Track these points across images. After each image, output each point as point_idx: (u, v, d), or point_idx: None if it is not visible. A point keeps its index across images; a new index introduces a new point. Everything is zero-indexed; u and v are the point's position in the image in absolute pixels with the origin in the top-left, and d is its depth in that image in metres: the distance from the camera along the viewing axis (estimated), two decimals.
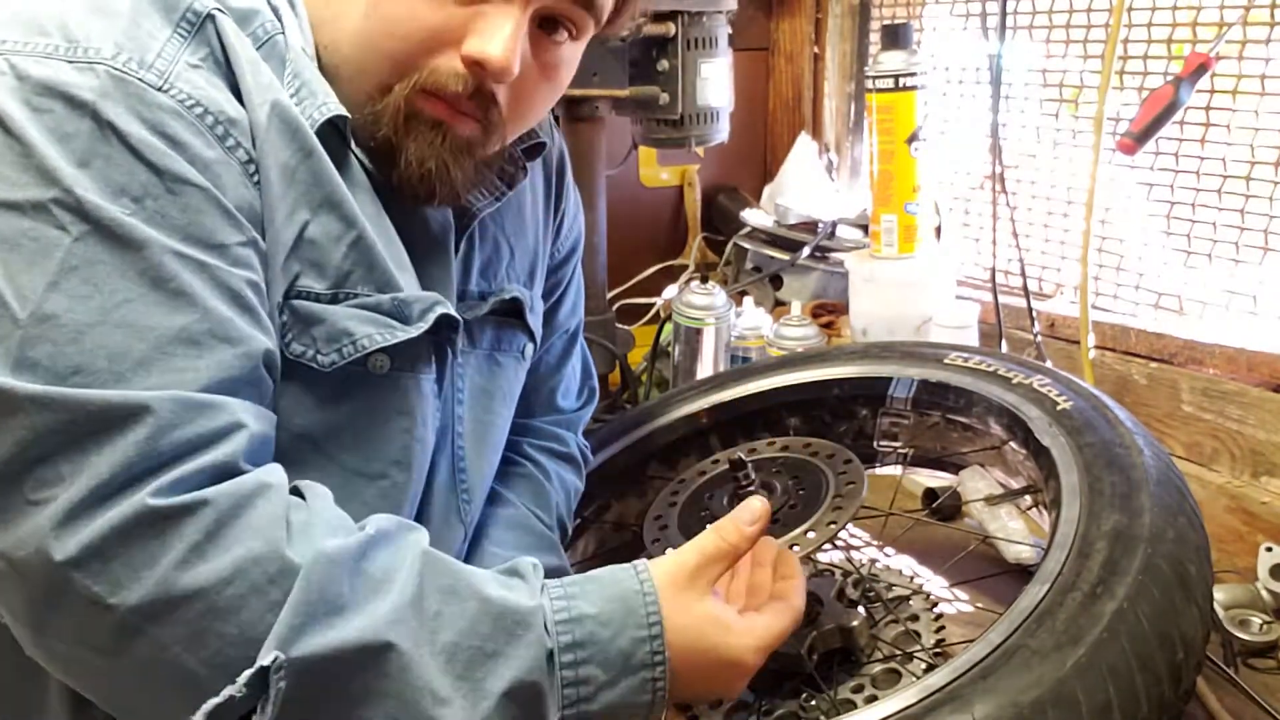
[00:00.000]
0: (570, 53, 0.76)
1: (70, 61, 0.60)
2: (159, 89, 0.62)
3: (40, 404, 0.55)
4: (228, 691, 0.55)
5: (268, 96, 0.67)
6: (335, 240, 0.69)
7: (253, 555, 0.57)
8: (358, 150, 0.72)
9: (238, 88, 0.67)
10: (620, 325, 1.59)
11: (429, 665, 0.59)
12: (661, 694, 0.63)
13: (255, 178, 0.66)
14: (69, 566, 0.54)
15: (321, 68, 0.72)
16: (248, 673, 0.55)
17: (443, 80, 0.70)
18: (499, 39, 0.68)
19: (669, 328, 1.52)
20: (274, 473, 0.61)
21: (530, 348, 0.91)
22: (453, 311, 0.75)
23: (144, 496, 0.55)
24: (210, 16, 0.66)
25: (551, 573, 0.88)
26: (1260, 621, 0.90)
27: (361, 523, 0.63)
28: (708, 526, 0.71)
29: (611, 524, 1.10)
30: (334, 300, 0.70)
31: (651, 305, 1.83)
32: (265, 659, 0.55)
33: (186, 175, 0.62)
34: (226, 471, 0.59)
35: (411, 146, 0.71)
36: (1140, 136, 1.19)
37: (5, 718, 0.70)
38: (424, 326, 0.73)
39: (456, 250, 0.81)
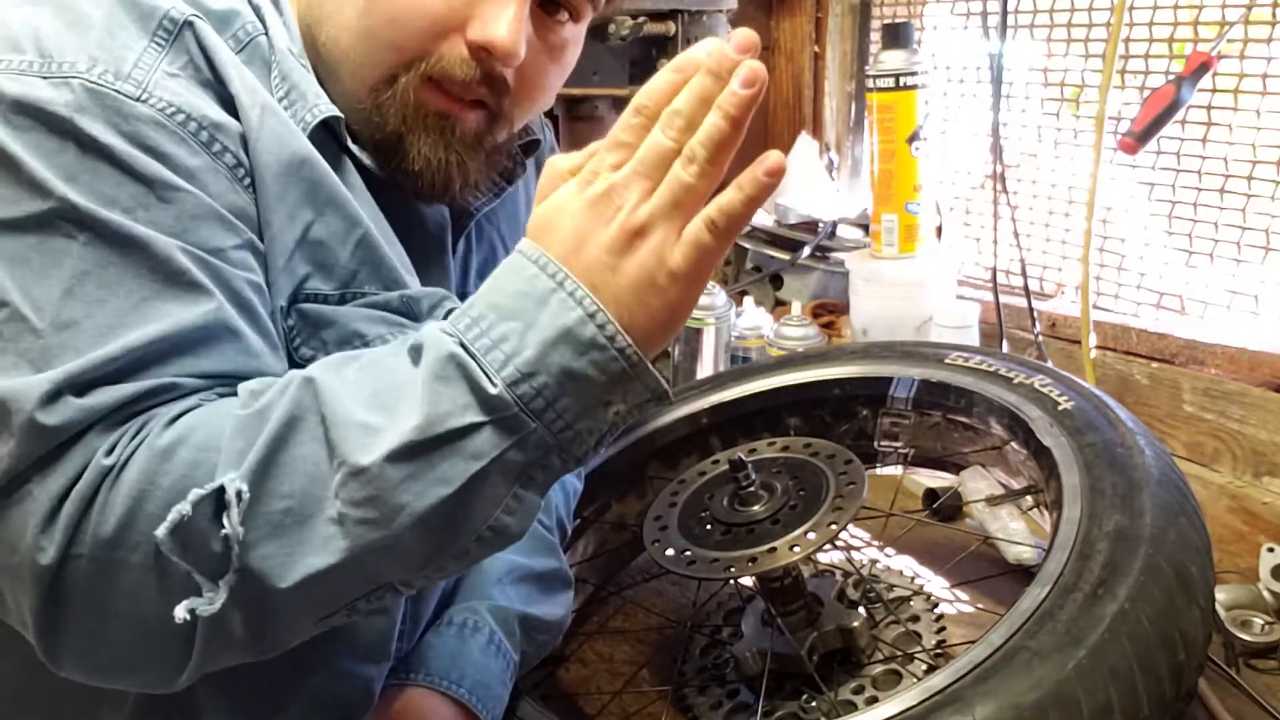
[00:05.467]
0: (573, 33, 0.76)
1: (45, 77, 0.60)
2: (137, 99, 0.61)
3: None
4: (175, 512, 0.53)
5: (258, 99, 0.66)
6: (341, 240, 0.69)
7: (177, 437, 0.56)
8: (355, 149, 0.72)
9: (225, 94, 0.66)
10: None
11: (350, 405, 0.55)
12: (591, 303, 0.55)
13: (246, 181, 0.65)
14: (59, 557, 0.54)
15: (320, 65, 0.71)
16: (197, 491, 0.53)
17: (450, 68, 0.69)
18: (504, 21, 0.68)
19: None
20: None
21: None
22: (461, 306, 0.75)
23: (97, 458, 0.55)
24: (188, 24, 0.65)
25: (549, 575, 0.88)
26: (1262, 622, 0.90)
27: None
28: None
29: (611, 524, 1.10)
30: (342, 301, 0.69)
31: None
32: (214, 483, 0.54)
33: (175, 183, 0.61)
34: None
35: (421, 140, 0.70)
36: (1141, 136, 1.19)
37: None
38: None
39: (454, 251, 0.81)
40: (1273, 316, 1.22)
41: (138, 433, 0.56)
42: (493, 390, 0.55)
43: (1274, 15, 1.18)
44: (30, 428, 0.54)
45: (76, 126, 0.59)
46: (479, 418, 0.55)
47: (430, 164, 0.71)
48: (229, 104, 0.66)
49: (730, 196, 0.57)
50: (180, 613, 0.54)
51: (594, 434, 0.58)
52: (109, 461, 0.55)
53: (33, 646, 0.68)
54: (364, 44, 0.70)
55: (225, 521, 0.53)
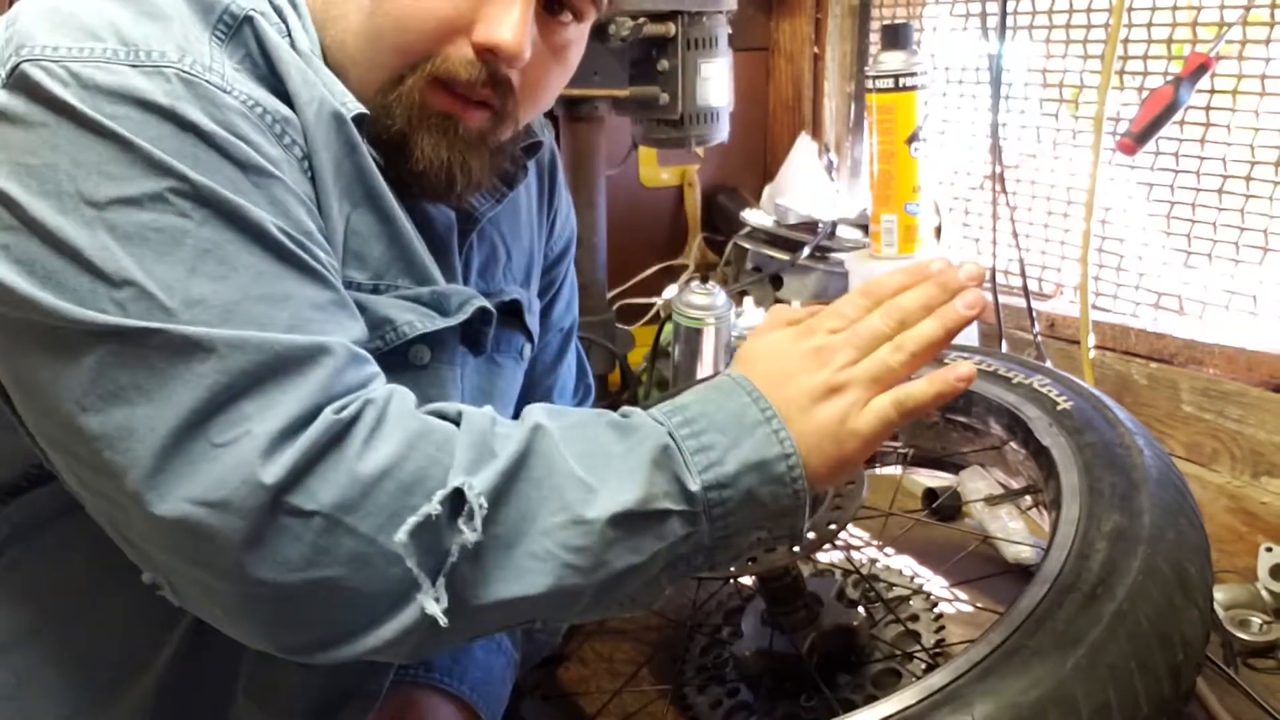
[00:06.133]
0: (576, 33, 0.77)
1: (134, 66, 0.60)
2: (225, 91, 0.62)
3: (234, 346, 0.56)
4: (425, 510, 0.56)
5: (314, 94, 0.67)
6: (375, 234, 0.70)
7: (420, 429, 0.59)
8: (370, 149, 0.72)
9: (282, 90, 0.67)
10: (620, 325, 1.59)
11: (569, 461, 0.61)
12: (789, 440, 0.62)
13: (310, 174, 0.67)
14: (278, 490, 0.54)
15: (329, 66, 0.72)
16: (441, 492, 0.57)
17: (455, 69, 0.70)
18: (509, 23, 0.69)
19: (669, 328, 1.51)
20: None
21: (528, 348, 0.91)
22: (488, 305, 0.76)
23: (328, 413, 0.57)
24: (248, 19, 0.66)
25: None
26: (1260, 622, 0.90)
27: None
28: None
29: None
30: (375, 291, 0.71)
31: (651, 305, 1.83)
32: (456, 483, 0.57)
33: (266, 169, 0.62)
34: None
35: (424, 140, 0.71)
36: (1140, 136, 1.19)
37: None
38: (462, 317, 0.74)
39: (460, 253, 0.81)
40: (1271, 316, 1.23)
41: (370, 403, 0.58)
42: (693, 487, 0.61)
43: (1272, 16, 1.18)
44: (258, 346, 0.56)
45: (178, 113, 0.59)
46: (676, 506, 0.61)
47: (433, 164, 0.71)
48: (285, 100, 0.66)
49: (921, 387, 0.65)
50: (430, 605, 0.56)
51: (733, 549, 0.64)
52: (344, 416, 0.57)
53: (57, 640, 0.68)
54: (370, 47, 0.70)
55: (465, 526, 0.57)
